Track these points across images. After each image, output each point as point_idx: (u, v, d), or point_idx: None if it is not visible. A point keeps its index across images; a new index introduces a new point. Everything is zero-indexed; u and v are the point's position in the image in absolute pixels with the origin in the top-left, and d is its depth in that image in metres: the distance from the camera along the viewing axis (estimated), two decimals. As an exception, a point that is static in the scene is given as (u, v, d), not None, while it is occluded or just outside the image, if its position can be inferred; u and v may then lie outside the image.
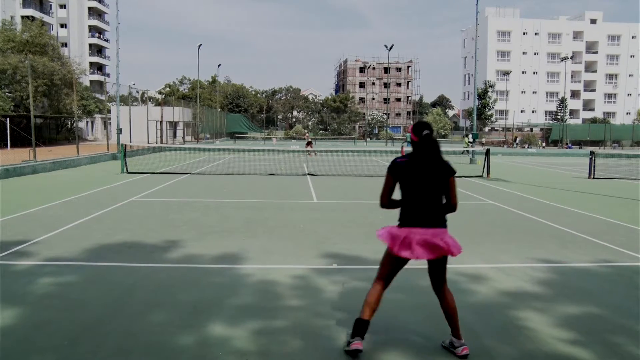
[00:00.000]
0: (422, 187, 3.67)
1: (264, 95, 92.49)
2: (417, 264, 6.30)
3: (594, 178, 18.24)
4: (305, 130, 63.37)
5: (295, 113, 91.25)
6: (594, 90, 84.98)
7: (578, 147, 55.00)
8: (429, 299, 4.96)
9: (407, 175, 3.69)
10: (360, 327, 3.67)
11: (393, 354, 3.73)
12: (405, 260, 3.76)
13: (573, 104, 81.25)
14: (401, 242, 3.64)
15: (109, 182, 14.75)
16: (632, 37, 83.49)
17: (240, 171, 19.16)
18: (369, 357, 3.68)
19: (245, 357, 3.63)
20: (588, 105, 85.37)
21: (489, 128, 75.50)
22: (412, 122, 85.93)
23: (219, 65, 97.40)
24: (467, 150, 27.36)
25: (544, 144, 57.26)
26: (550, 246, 7.28)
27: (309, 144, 32.57)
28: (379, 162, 26.70)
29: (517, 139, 59.35)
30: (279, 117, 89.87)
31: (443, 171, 3.66)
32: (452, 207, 3.76)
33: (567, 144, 56.57)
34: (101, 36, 79.30)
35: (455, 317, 3.78)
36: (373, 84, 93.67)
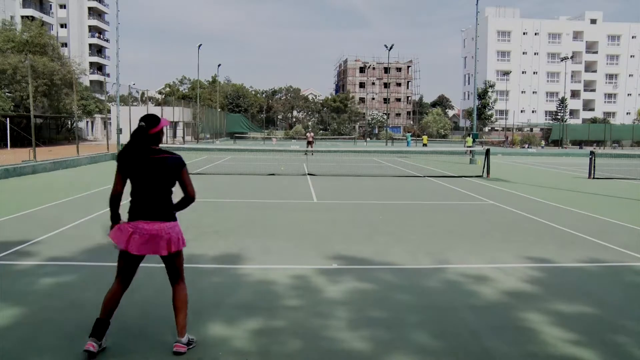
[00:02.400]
0: (144, 181, 3.66)
1: (264, 95, 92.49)
2: (415, 265, 6.33)
3: (594, 178, 18.24)
4: (307, 130, 63.37)
5: (295, 113, 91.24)
6: (594, 90, 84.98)
7: (578, 147, 55.01)
8: (433, 300, 4.96)
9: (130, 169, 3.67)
10: (98, 327, 3.61)
11: (396, 354, 3.73)
12: (136, 256, 3.68)
13: (573, 104, 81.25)
14: (126, 236, 3.61)
15: (109, 182, 14.70)
16: (632, 37, 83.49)
17: (240, 171, 19.16)
18: (373, 356, 3.68)
19: (245, 357, 3.63)
20: (588, 105, 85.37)
21: (489, 128, 75.49)
22: (412, 122, 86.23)
23: (219, 65, 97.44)
24: (469, 151, 27.37)
25: (543, 143, 57.23)
26: (550, 246, 7.28)
27: (309, 143, 32.58)
28: (379, 162, 26.70)
29: (508, 139, 59.55)
30: (279, 117, 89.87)
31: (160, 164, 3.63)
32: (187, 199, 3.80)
33: (580, 146, 56.16)
34: (101, 36, 79.30)
35: (180, 313, 3.68)
36: (373, 84, 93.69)
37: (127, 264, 3.75)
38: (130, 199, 3.71)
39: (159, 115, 4.06)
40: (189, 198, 3.83)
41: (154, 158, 3.63)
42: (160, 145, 3.85)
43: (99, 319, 3.65)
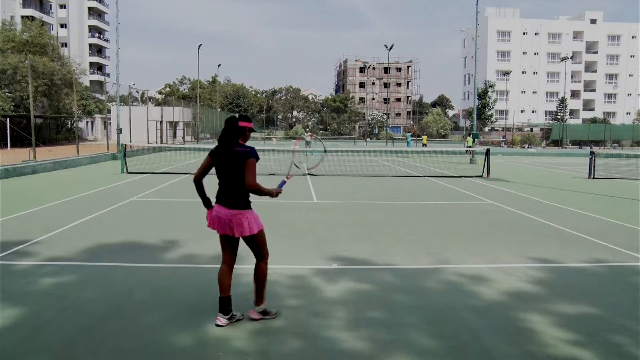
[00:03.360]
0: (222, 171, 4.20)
1: (264, 95, 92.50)
2: (415, 265, 6.32)
3: (594, 178, 18.24)
4: (307, 130, 63.36)
5: (295, 113, 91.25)
6: (594, 90, 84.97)
7: (578, 147, 54.99)
8: (433, 300, 4.96)
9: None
10: (222, 304, 4.16)
11: (396, 354, 3.73)
12: (227, 236, 4.24)
13: (573, 104, 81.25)
14: (210, 218, 4.24)
15: (109, 182, 14.75)
16: (632, 37, 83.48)
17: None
18: (373, 356, 3.68)
19: (245, 357, 3.63)
20: (588, 105, 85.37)
21: (489, 128, 75.48)
22: (412, 122, 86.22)
23: (219, 65, 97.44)
24: (470, 151, 27.38)
25: (544, 143, 57.20)
26: (551, 246, 7.28)
27: (307, 143, 32.55)
28: (379, 162, 26.70)
29: (504, 137, 59.61)
30: (279, 117, 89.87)
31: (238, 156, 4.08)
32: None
33: (580, 146, 55.94)
34: (101, 36, 79.28)
35: (258, 286, 4.31)
36: (373, 84, 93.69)
37: (223, 244, 4.31)
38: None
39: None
40: (246, 186, 4.14)
41: (235, 150, 4.09)
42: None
43: (221, 297, 4.17)
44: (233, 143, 4.07)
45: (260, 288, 4.29)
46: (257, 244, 4.27)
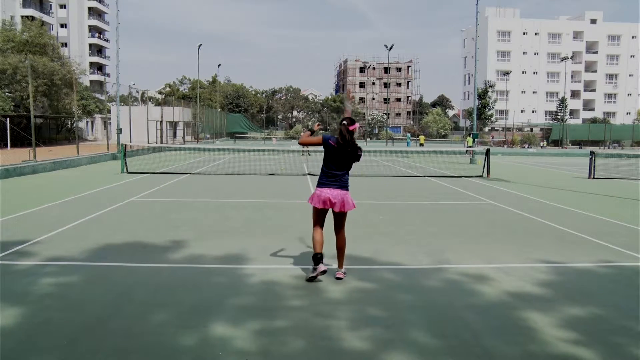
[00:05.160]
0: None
1: (264, 95, 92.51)
2: (415, 265, 6.32)
3: (594, 178, 18.24)
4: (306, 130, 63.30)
5: (295, 113, 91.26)
6: (594, 90, 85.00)
7: (578, 147, 54.99)
8: (433, 300, 4.96)
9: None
10: (316, 259, 5.34)
11: (397, 354, 3.73)
12: (322, 210, 5.50)
13: (573, 104, 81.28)
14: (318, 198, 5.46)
15: (109, 182, 14.75)
16: (632, 37, 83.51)
17: (240, 171, 19.16)
18: (374, 355, 3.68)
19: (246, 357, 3.63)
20: (588, 105, 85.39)
21: (489, 128, 75.49)
22: (412, 122, 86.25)
23: (219, 65, 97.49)
24: (470, 151, 27.39)
25: (542, 144, 57.22)
26: (551, 246, 7.28)
27: None
28: (379, 162, 26.70)
29: (492, 138, 59.74)
30: (279, 117, 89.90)
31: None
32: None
33: (580, 145, 55.86)
34: (101, 36, 79.29)
35: (340, 252, 5.63)
36: (373, 84, 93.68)
37: (319, 215, 5.53)
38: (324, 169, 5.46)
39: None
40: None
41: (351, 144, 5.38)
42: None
43: (315, 253, 5.36)
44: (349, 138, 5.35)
45: (343, 253, 5.60)
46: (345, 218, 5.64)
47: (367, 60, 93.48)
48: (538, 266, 6.21)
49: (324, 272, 5.28)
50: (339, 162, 5.37)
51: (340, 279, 5.40)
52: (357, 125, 5.40)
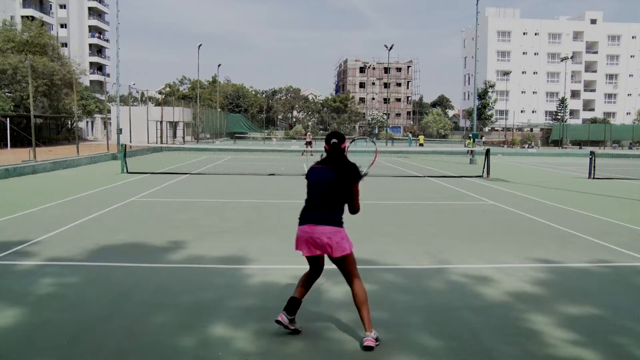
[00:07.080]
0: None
1: (264, 95, 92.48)
2: (415, 266, 6.32)
3: (594, 178, 18.23)
4: (307, 130, 63.37)
5: (295, 113, 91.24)
6: (594, 91, 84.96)
7: (578, 147, 54.98)
8: (433, 300, 4.96)
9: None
10: (290, 304, 3.98)
11: (397, 354, 3.72)
12: (314, 258, 4.06)
13: (573, 104, 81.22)
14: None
15: (109, 182, 14.74)
16: (632, 37, 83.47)
17: (240, 171, 19.15)
18: (374, 356, 3.67)
19: (246, 358, 3.63)
20: (588, 105, 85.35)
21: (489, 128, 75.47)
22: (412, 122, 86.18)
23: (219, 65, 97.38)
24: (470, 151, 27.39)
25: (533, 144, 57.24)
26: (551, 246, 7.28)
27: (308, 143, 32.53)
28: (379, 162, 26.69)
29: (482, 138, 59.78)
30: (279, 117, 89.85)
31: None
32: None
33: (580, 146, 55.59)
34: (101, 36, 79.27)
35: (362, 309, 3.85)
36: (373, 84, 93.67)
37: (310, 264, 4.12)
38: None
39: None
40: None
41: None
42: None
43: (292, 297, 3.98)
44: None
45: (366, 309, 3.86)
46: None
47: (367, 60, 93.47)
48: (538, 266, 6.20)
49: (286, 327, 3.96)
50: (321, 189, 4.24)
51: (371, 348, 3.72)
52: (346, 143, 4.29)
